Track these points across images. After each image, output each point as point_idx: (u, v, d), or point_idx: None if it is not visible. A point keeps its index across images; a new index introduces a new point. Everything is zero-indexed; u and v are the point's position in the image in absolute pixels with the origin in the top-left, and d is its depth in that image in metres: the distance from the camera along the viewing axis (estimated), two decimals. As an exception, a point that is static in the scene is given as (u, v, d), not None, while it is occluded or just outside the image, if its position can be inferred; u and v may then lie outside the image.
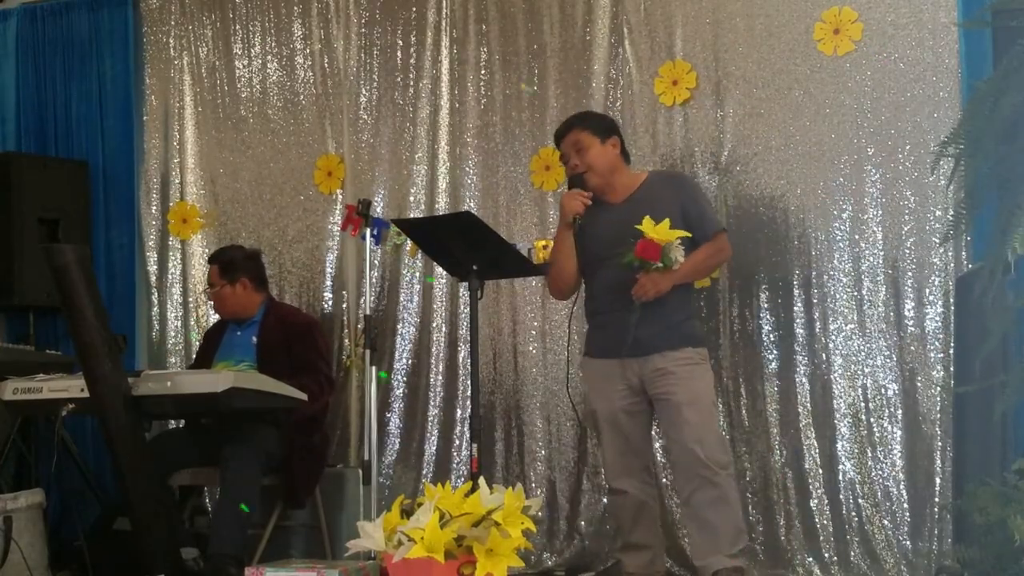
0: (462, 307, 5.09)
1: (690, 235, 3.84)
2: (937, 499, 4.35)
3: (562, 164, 4.22)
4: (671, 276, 3.80)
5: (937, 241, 4.36)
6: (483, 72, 5.18)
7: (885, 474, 4.46)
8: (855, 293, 4.54)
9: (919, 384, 4.44)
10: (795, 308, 4.61)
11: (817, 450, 4.55)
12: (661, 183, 4.06)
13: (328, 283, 5.41)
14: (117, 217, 5.72)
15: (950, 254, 4.41)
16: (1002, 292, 3.19)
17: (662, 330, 3.84)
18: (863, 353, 4.52)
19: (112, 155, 5.73)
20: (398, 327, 5.23)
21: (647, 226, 3.76)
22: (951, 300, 4.35)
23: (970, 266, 4.24)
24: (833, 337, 4.56)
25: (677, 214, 3.88)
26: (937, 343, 4.42)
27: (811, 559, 4.47)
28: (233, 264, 4.78)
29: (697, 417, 3.80)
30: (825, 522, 4.49)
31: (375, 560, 3.72)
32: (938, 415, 4.40)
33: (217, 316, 5.09)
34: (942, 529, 4.32)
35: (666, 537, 4.43)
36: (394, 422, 5.22)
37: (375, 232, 4.82)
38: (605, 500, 4.78)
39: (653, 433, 4.31)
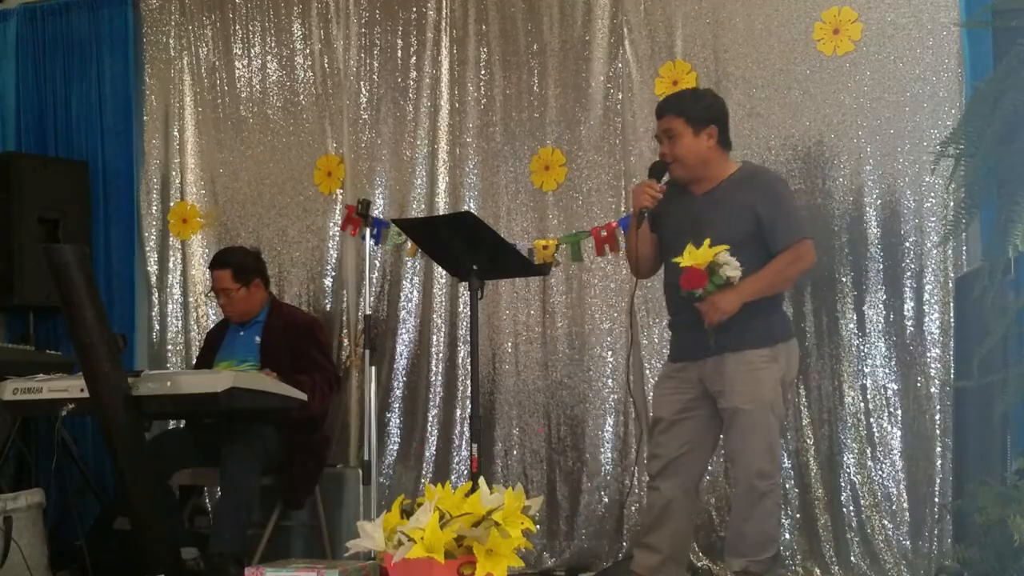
0: (462, 307, 5.09)
1: (727, 247, 3.60)
2: (937, 499, 4.35)
3: (657, 141, 3.95)
4: (736, 294, 3.60)
5: (937, 241, 4.36)
6: (483, 72, 5.18)
7: (885, 474, 4.46)
8: (855, 293, 4.54)
9: (919, 384, 4.44)
10: (795, 308, 4.60)
11: (817, 450, 4.55)
12: (742, 182, 3.81)
13: (328, 283, 5.41)
14: (117, 217, 5.72)
15: (950, 254, 4.41)
16: (1002, 292, 3.19)
17: (723, 331, 3.67)
18: (863, 353, 4.52)
19: (112, 155, 5.73)
20: (398, 327, 5.24)
21: (685, 257, 3.59)
22: (951, 300, 4.35)
23: (970, 266, 4.24)
24: (833, 337, 4.56)
25: (749, 218, 3.71)
26: (937, 343, 4.42)
27: (811, 559, 4.47)
28: (247, 267, 4.76)
29: (748, 424, 3.66)
30: (825, 522, 4.49)
31: (375, 560, 3.72)
32: (938, 415, 4.40)
33: (216, 316, 5.09)
34: (942, 529, 4.32)
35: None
36: (394, 422, 5.22)
37: (375, 232, 4.82)
38: (606, 500, 4.79)
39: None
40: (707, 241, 3.59)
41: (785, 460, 4.57)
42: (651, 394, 4.48)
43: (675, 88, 4.78)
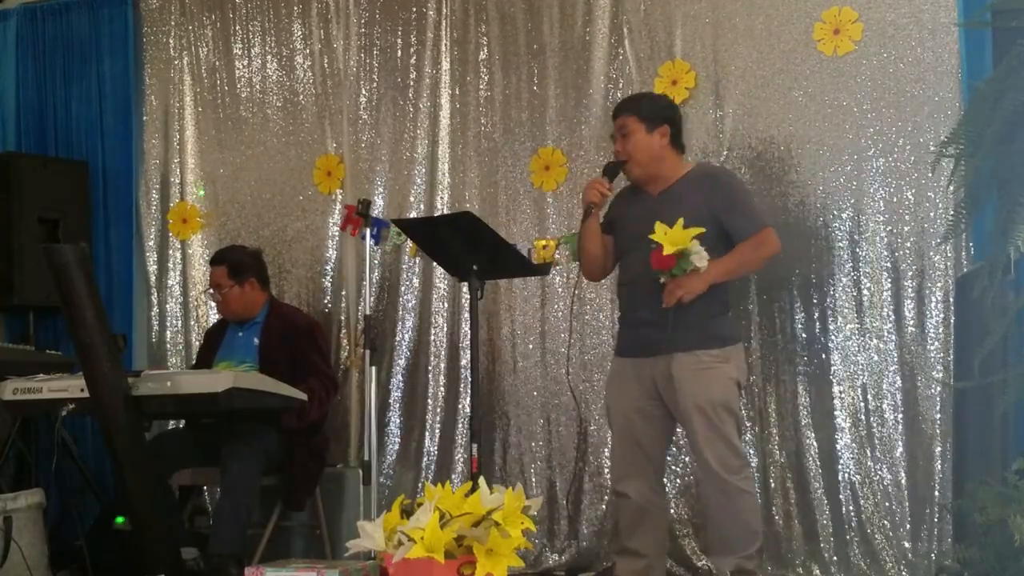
0: (462, 307, 5.09)
1: (703, 230, 3.67)
2: (937, 499, 4.35)
3: (612, 141, 4.04)
4: (704, 276, 3.67)
5: (937, 241, 4.36)
6: (483, 72, 5.18)
7: (885, 474, 4.46)
8: (855, 293, 4.54)
9: (919, 384, 4.44)
10: (795, 308, 4.61)
11: (817, 450, 4.54)
12: (697, 180, 3.90)
13: (328, 283, 5.41)
14: (117, 217, 5.72)
15: (950, 254, 4.41)
16: (1002, 292, 3.19)
17: (677, 331, 3.72)
18: (863, 353, 4.52)
19: (112, 155, 5.73)
20: (398, 327, 5.23)
21: (659, 233, 3.64)
22: (951, 300, 4.35)
23: (970, 266, 4.24)
24: (833, 337, 4.56)
25: (706, 215, 3.76)
26: (937, 343, 4.41)
27: (811, 559, 4.47)
28: (242, 265, 4.76)
29: (706, 422, 3.71)
30: (825, 522, 4.49)
31: (375, 560, 3.72)
32: (938, 415, 4.39)
33: (216, 316, 5.09)
34: (942, 529, 4.32)
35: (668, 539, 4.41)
36: (394, 422, 5.22)
37: (375, 232, 4.82)
38: (605, 500, 4.79)
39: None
40: (680, 221, 3.64)
41: (785, 460, 4.57)
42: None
43: (674, 88, 4.79)
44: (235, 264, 4.76)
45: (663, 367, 3.79)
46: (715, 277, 3.73)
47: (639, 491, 3.88)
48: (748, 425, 4.63)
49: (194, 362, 5.14)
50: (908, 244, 4.48)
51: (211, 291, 4.90)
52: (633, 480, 3.89)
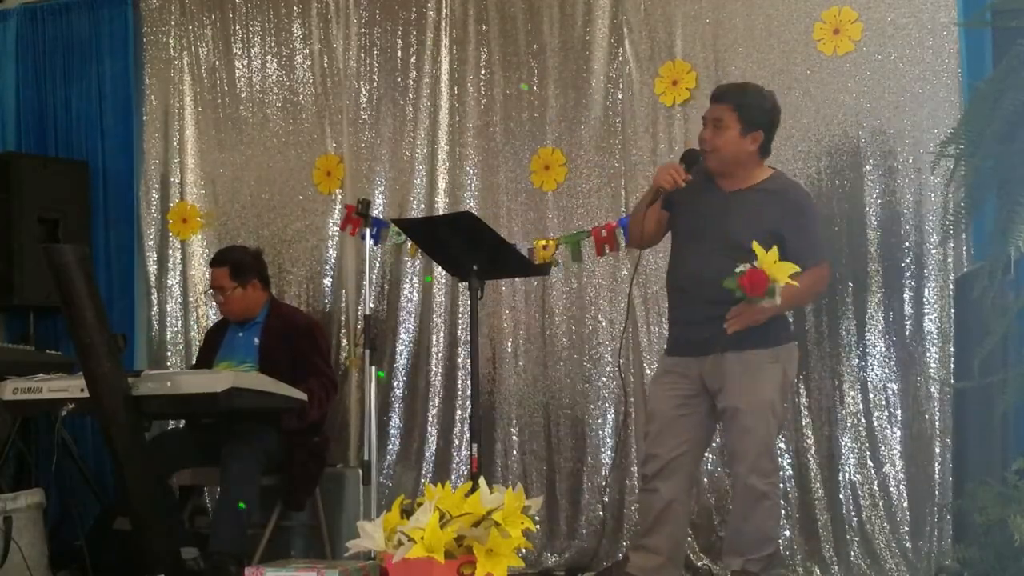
0: (462, 307, 5.08)
1: (798, 269, 3.53)
2: (937, 499, 4.35)
3: (702, 123, 3.88)
4: (770, 311, 3.59)
5: (937, 241, 4.36)
6: (483, 72, 5.18)
7: (885, 474, 4.46)
8: (855, 293, 4.54)
9: (919, 384, 4.44)
10: (795, 308, 4.61)
11: (817, 450, 4.55)
12: (772, 194, 3.77)
13: (328, 283, 5.41)
14: (117, 217, 5.72)
15: (950, 254, 4.41)
16: (1002, 292, 3.19)
17: (727, 335, 3.65)
18: (863, 353, 4.52)
19: (112, 155, 5.73)
20: (398, 327, 5.23)
21: (760, 252, 3.47)
22: (951, 300, 4.35)
23: (970, 266, 4.24)
24: (833, 337, 4.56)
25: (767, 232, 3.63)
26: (937, 343, 4.42)
27: (811, 559, 4.47)
28: (244, 266, 4.75)
29: (748, 423, 3.65)
30: (825, 522, 4.49)
31: (375, 560, 3.72)
32: (938, 415, 4.40)
33: (216, 316, 5.09)
34: (942, 529, 4.32)
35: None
36: (394, 422, 5.22)
37: (375, 232, 4.82)
38: (605, 500, 4.79)
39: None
40: (774, 250, 3.49)
41: (785, 460, 4.57)
42: (647, 388, 4.50)
43: (675, 88, 4.80)
44: (237, 265, 4.74)
45: (712, 365, 3.71)
46: (777, 312, 3.68)
47: (671, 489, 3.79)
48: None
49: (194, 362, 5.14)
50: (908, 244, 4.48)
51: (211, 292, 4.89)
52: (667, 478, 3.79)
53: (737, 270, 3.52)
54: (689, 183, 3.73)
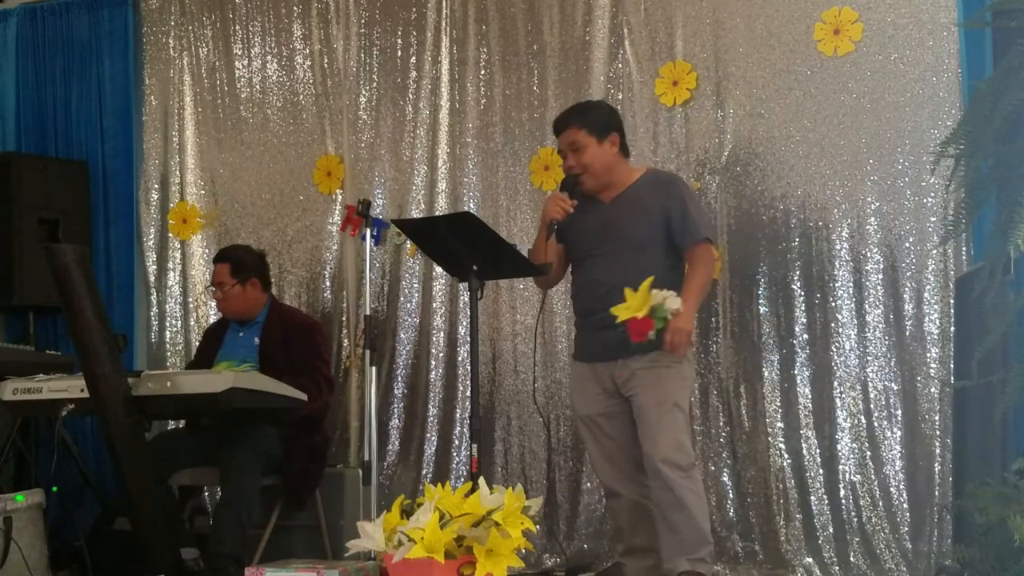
0: (462, 307, 5.09)
1: (652, 278, 3.61)
2: (937, 499, 4.35)
3: (560, 156, 4.02)
4: (687, 312, 3.64)
5: (937, 241, 4.36)
6: (483, 72, 5.18)
7: (885, 474, 4.46)
8: (855, 293, 4.54)
9: (919, 384, 4.44)
10: (795, 308, 4.61)
11: (817, 450, 4.55)
12: (650, 184, 3.92)
13: (328, 283, 5.41)
14: (117, 217, 5.72)
15: (950, 254, 4.41)
16: (1002, 292, 3.19)
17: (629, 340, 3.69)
18: (863, 353, 4.52)
19: (112, 155, 5.74)
20: (398, 327, 5.24)
21: (621, 311, 3.58)
22: (951, 300, 4.35)
23: (970, 266, 4.24)
24: (833, 337, 4.56)
25: (658, 220, 3.81)
26: (937, 343, 4.42)
27: (811, 559, 4.47)
28: (245, 264, 4.75)
29: (656, 419, 3.69)
30: (825, 522, 4.50)
31: (375, 560, 3.73)
32: (938, 415, 4.40)
33: (216, 315, 5.08)
34: (942, 529, 4.32)
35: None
36: (394, 422, 5.22)
37: (375, 232, 4.82)
38: (605, 500, 4.78)
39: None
40: (627, 292, 3.59)
41: (785, 460, 4.57)
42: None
43: (675, 88, 4.80)
44: (238, 263, 4.75)
45: (622, 367, 3.79)
46: (694, 308, 3.75)
47: (629, 488, 3.86)
48: (748, 425, 4.64)
49: (193, 357, 5.13)
50: (908, 244, 4.49)
51: (211, 288, 4.89)
52: (619, 480, 3.88)
53: (617, 321, 3.59)
54: (576, 208, 3.84)
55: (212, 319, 5.42)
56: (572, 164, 3.90)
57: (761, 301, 4.67)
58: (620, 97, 4.92)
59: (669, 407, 3.71)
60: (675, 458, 3.66)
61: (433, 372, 5.17)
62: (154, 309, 5.71)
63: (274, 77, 5.56)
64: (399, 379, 5.24)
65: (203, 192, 5.67)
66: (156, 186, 5.75)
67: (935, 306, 4.43)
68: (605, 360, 3.84)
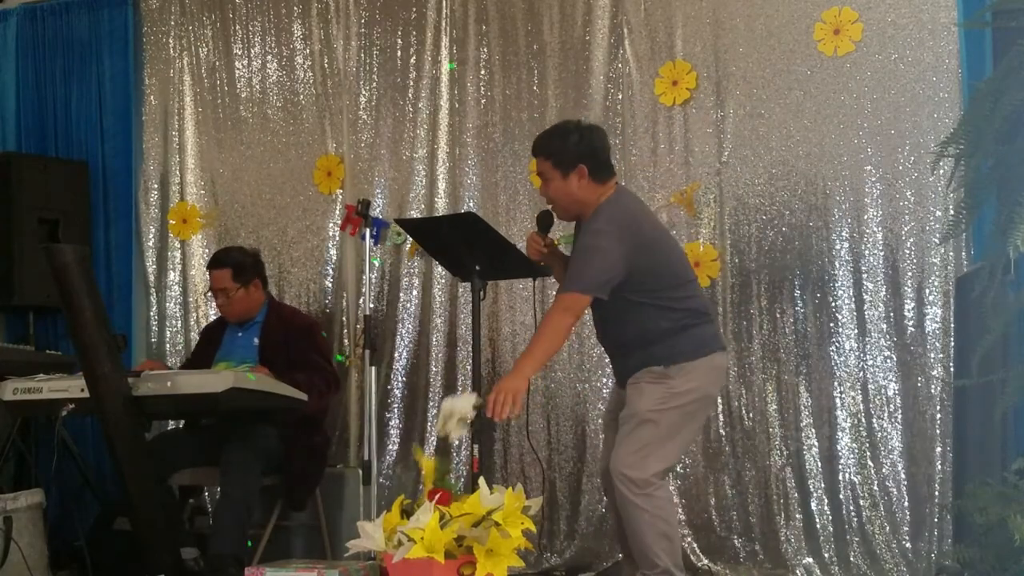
0: (462, 307, 5.09)
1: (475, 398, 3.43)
2: (937, 499, 4.35)
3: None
4: (518, 371, 3.47)
5: (937, 241, 4.36)
6: (483, 72, 5.18)
7: (885, 474, 4.46)
8: (855, 293, 4.55)
9: (919, 384, 4.44)
10: (795, 308, 4.62)
11: (817, 450, 4.55)
12: (591, 217, 3.67)
13: (328, 283, 5.41)
14: (116, 217, 5.72)
15: (950, 254, 4.41)
16: (1002, 292, 3.19)
17: (627, 365, 3.69)
18: (863, 353, 4.52)
19: (112, 155, 5.74)
20: (398, 327, 5.24)
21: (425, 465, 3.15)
22: (951, 300, 4.36)
23: (970, 266, 4.24)
24: (833, 337, 4.56)
25: None
26: (937, 343, 4.42)
27: (811, 559, 4.47)
28: (244, 266, 4.73)
29: (625, 433, 3.59)
30: (825, 522, 4.50)
31: (375, 560, 3.72)
32: (938, 415, 4.40)
33: (216, 315, 5.08)
34: (942, 529, 4.33)
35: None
36: (394, 422, 5.22)
37: (375, 232, 4.82)
38: (605, 500, 4.78)
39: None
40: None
41: (785, 460, 4.57)
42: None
43: (675, 88, 4.80)
44: (239, 266, 4.72)
45: (623, 394, 3.74)
46: (532, 366, 3.56)
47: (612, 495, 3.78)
48: (748, 425, 4.63)
49: (191, 356, 5.12)
50: (908, 244, 4.49)
51: (210, 294, 4.87)
52: (608, 490, 3.80)
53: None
54: (553, 244, 3.82)
55: (212, 319, 5.41)
56: (541, 192, 3.80)
57: (761, 301, 4.67)
58: (620, 97, 4.92)
59: (637, 422, 3.58)
60: (629, 473, 3.51)
61: (433, 372, 5.17)
62: (154, 309, 5.71)
63: (274, 77, 5.56)
64: (399, 379, 5.24)
65: (203, 192, 5.67)
66: (156, 186, 5.75)
67: (935, 306, 4.44)
68: (618, 386, 3.85)
